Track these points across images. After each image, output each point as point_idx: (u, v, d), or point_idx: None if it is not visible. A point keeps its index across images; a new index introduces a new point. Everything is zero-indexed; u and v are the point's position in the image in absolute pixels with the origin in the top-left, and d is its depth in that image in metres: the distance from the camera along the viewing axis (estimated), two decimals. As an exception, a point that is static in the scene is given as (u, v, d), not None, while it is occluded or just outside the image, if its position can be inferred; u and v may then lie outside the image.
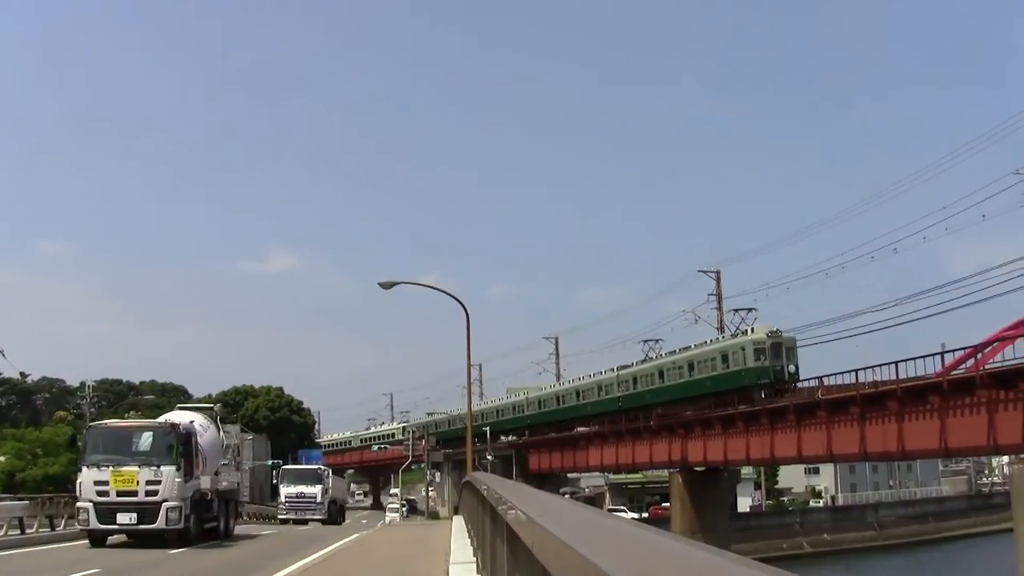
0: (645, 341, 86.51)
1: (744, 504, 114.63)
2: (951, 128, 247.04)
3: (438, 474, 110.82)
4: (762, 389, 66.72)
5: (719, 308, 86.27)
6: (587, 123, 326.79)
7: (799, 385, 67.52)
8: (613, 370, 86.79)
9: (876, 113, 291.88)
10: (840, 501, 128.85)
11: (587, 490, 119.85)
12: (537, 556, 4.66)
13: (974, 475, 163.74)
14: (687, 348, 76.99)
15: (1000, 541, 79.48)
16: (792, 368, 67.65)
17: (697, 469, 72.35)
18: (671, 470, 77.04)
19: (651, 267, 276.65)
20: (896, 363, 52.66)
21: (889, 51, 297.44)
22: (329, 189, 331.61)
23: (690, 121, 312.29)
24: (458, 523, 36.39)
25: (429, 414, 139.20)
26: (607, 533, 4.03)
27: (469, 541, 25.27)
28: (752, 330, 70.15)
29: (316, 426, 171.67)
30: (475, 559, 20.54)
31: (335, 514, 79.80)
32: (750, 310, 75.74)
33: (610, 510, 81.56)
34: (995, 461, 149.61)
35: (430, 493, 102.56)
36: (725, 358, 69.95)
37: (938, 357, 52.82)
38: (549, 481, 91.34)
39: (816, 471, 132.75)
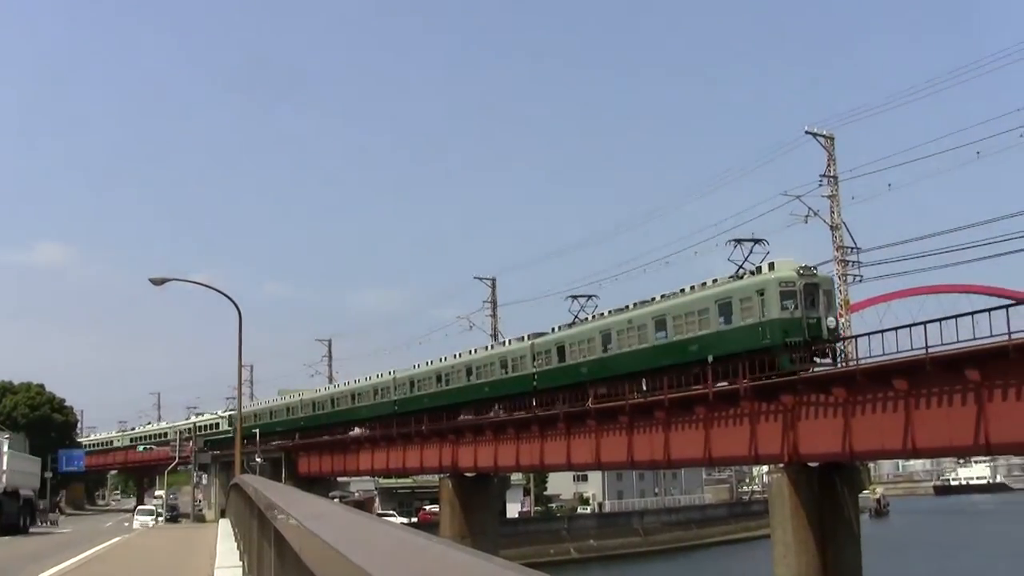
0: (574, 298, 65.81)
1: (513, 510, 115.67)
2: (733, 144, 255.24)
3: (205, 476, 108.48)
4: (791, 352, 45.77)
5: (493, 315, 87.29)
6: (362, 122, 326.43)
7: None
8: (524, 339, 66.99)
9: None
10: (607, 508, 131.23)
11: (357, 494, 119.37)
12: (304, 560, 4.59)
13: (736, 484, 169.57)
14: (647, 301, 55.03)
15: (759, 546, 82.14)
16: (831, 322, 47.17)
17: (467, 475, 72.71)
18: (441, 475, 76.51)
19: (426, 273, 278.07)
20: (664, 375, 53.10)
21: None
22: (104, 182, 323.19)
23: (472, 128, 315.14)
24: (225, 526, 35.74)
25: (198, 414, 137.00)
26: (375, 537, 3.98)
27: (236, 545, 24.88)
28: (773, 266, 47.45)
29: (79, 424, 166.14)
30: (242, 563, 20.23)
31: (14, 516, 56.35)
32: (758, 241, 51.15)
33: (379, 514, 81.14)
34: (756, 470, 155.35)
35: (197, 496, 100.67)
36: (727, 307, 48.23)
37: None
38: (318, 484, 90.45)
39: (584, 478, 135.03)
